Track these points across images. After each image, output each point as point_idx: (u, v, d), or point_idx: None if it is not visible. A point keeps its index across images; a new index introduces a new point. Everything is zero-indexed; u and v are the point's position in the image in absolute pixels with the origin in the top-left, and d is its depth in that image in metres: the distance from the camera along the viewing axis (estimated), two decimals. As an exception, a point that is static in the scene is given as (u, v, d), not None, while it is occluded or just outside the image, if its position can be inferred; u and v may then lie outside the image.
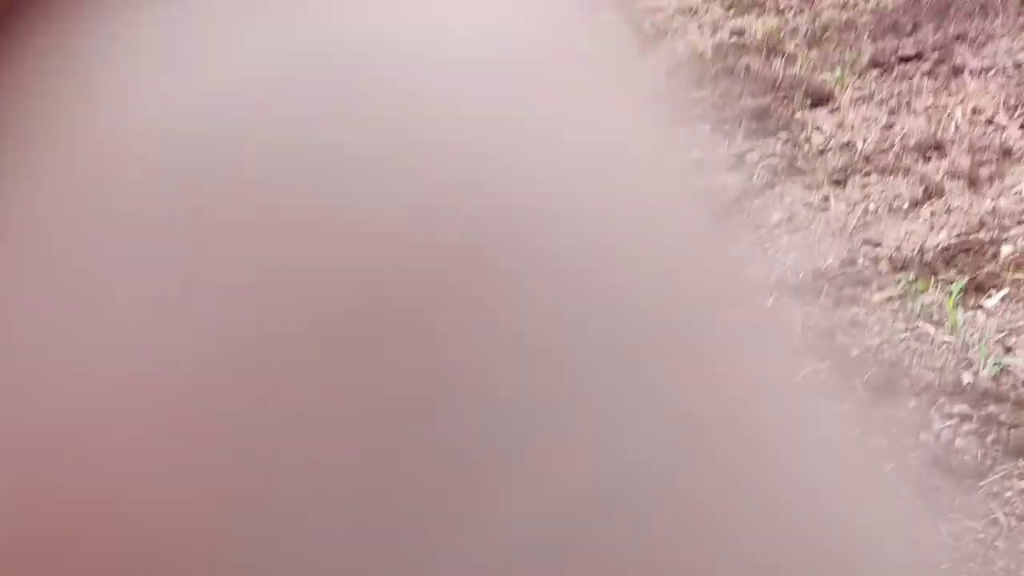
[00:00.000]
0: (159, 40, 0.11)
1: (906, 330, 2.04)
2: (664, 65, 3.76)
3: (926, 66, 3.37)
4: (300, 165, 0.11)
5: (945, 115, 3.00)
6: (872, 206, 2.56)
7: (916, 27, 3.79)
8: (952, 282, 2.15)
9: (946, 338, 2.00)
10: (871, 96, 3.22)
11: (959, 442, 1.80)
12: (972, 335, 2.01)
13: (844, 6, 4.16)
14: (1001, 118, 2.92)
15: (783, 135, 3.05)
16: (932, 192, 2.55)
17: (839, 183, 2.71)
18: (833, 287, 2.21)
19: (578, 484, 0.10)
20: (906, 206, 2.54)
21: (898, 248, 2.33)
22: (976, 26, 3.71)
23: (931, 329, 2.02)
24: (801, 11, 4.20)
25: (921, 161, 2.76)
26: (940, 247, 2.30)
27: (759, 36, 3.88)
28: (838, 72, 3.39)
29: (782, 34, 3.88)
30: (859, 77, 3.37)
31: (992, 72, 3.29)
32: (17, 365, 0.10)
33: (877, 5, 4.12)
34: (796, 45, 3.71)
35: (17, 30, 0.12)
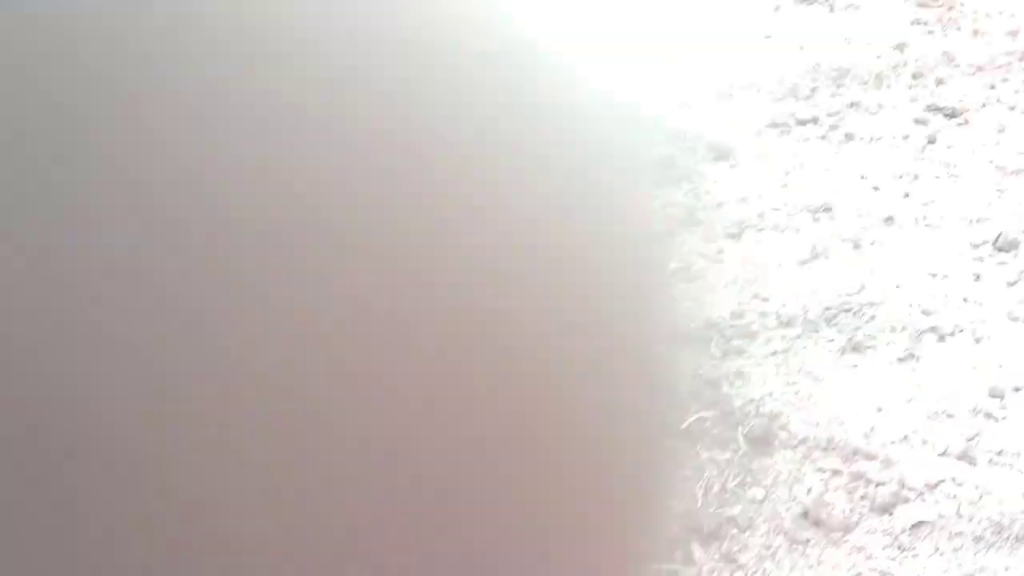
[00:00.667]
0: None
1: (788, 384, 2.13)
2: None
3: (821, 130, 3.55)
4: None
5: (836, 179, 3.16)
6: (763, 262, 2.66)
7: (814, 91, 3.99)
8: (833, 340, 2.26)
9: (824, 393, 2.09)
10: (769, 155, 3.36)
11: (829, 496, 1.89)
12: (849, 392, 2.11)
13: (747, 65, 4.35)
14: (887, 186, 3.10)
15: (685, 185, 3.15)
16: (819, 252, 2.68)
17: (734, 236, 2.82)
18: (723, 338, 2.29)
19: None
20: (795, 264, 2.65)
21: (784, 304, 2.43)
22: (869, 95, 3.94)
23: (811, 385, 2.12)
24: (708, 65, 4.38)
25: (811, 221, 2.89)
26: (823, 306, 2.42)
27: (665, 92, 4.02)
28: (739, 130, 3.53)
29: (689, 88, 4.03)
30: (759, 136, 3.52)
31: (882, 140, 3.49)
32: None
33: (780, 67, 4.32)
34: (701, 102, 3.86)
35: None
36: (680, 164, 3.25)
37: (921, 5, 5.34)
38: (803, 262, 2.63)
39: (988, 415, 1.99)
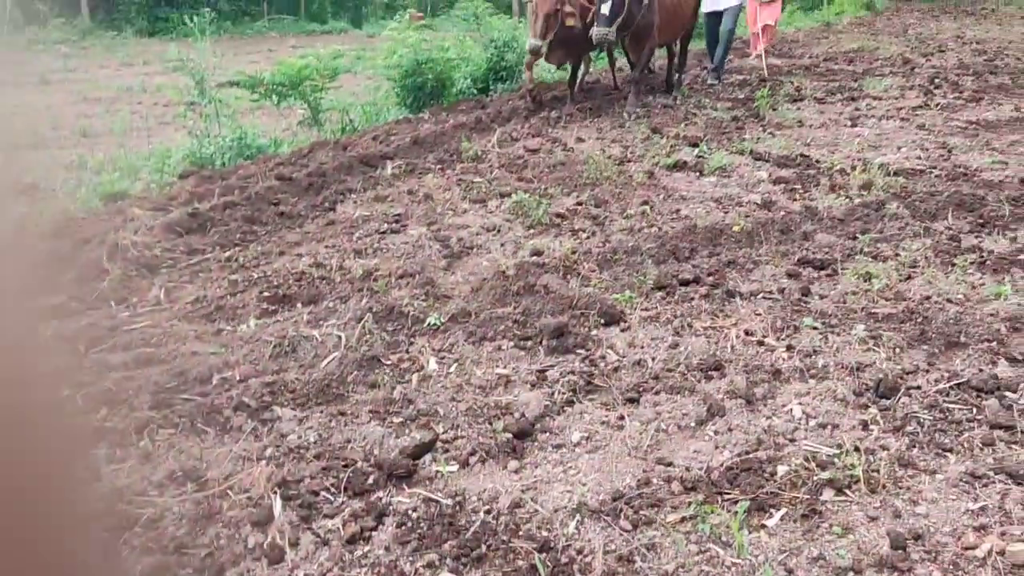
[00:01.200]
0: None
1: (698, 553, 2.11)
2: (469, 282, 3.92)
3: (703, 289, 3.71)
4: None
5: (722, 336, 3.27)
6: (663, 425, 2.70)
7: (693, 252, 4.20)
8: (737, 502, 2.28)
9: (734, 560, 2.08)
10: (657, 316, 3.47)
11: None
12: (757, 556, 2.11)
13: (631, 231, 4.56)
14: (770, 340, 3.23)
15: (581, 352, 3.21)
16: (715, 411, 2.74)
17: (632, 401, 2.86)
18: (631, 509, 2.28)
19: None
20: (693, 424, 2.70)
21: (688, 468, 2.46)
22: (744, 253, 4.16)
23: (720, 551, 2.11)
24: (593, 233, 4.57)
25: (704, 380, 2.97)
26: (724, 466, 2.45)
27: (557, 256, 4.16)
28: (628, 293, 3.65)
29: (577, 255, 4.18)
30: (646, 298, 3.64)
31: (760, 296, 3.66)
32: None
33: (659, 231, 4.55)
34: (590, 267, 3.99)
35: None
36: (575, 331, 3.32)
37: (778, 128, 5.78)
38: (701, 422, 2.68)
39: (893, 568, 2.01)
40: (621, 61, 9.47)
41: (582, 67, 8.67)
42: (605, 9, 7.11)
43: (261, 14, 29.88)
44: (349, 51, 16.77)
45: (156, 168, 6.19)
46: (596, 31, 7.09)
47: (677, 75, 9.12)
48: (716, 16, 9.55)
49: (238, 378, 3.01)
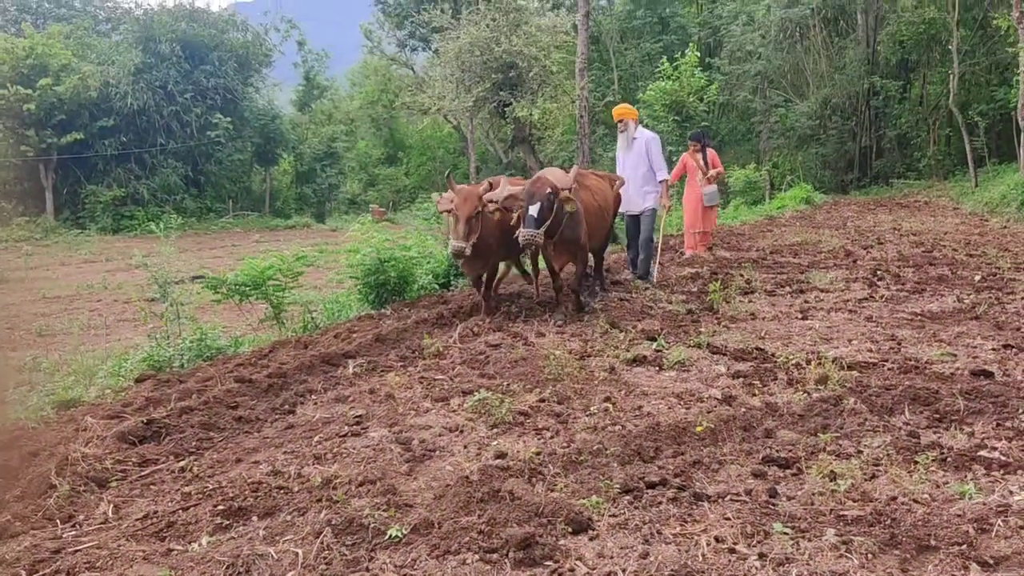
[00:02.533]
0: None
1: None
2: (432, 488, 3.83)
3: (670, 492, 3.65)
4: None
5: (692, 544, 3.20)
6: (637, 647, 2.58)
7: (658, 452, 4.18)
8: None
9: None
10: (626, 523, 3.39)
11: None
12: None
13: (594, 429, 4.55)
14: (741, 547, 3.16)
15: (549, 564, 3.10)
16: (690, 630, 2.63)
17: (604, 619, 2.74)
18: None
19: None
20: (668, 646, 2.58)
21: None
22: (708, 452, 4.15)
23: None
24: (557, 432, 4.54)
25: (676, 594, 2.87)
26: None
27: (521, 459, 4.10)
28: (595, 499, 3.58)
29: (542, 456, 4.13)
30: (613, 503, 3.58)
31: (727, 497, 3.62)
32: None
33: (623, 429, 4.54)
34: (555, 470, 3.94)
35: None
36: (542, 541, 3.22)
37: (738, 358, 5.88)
38: (676, 643, 2.58)
39: None
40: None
41: (500, 272, 8.43)
42: (533, 211, 6.89)
43: (226, 211, 30.80)
44: (312, 245, 17.21)
45: (112, 372, 6.11)
46: (524, 232, 6.83)
47: (598, 280, 8.85)
48: (635, 218, 9.61)
49: (187, 604, 2.84)
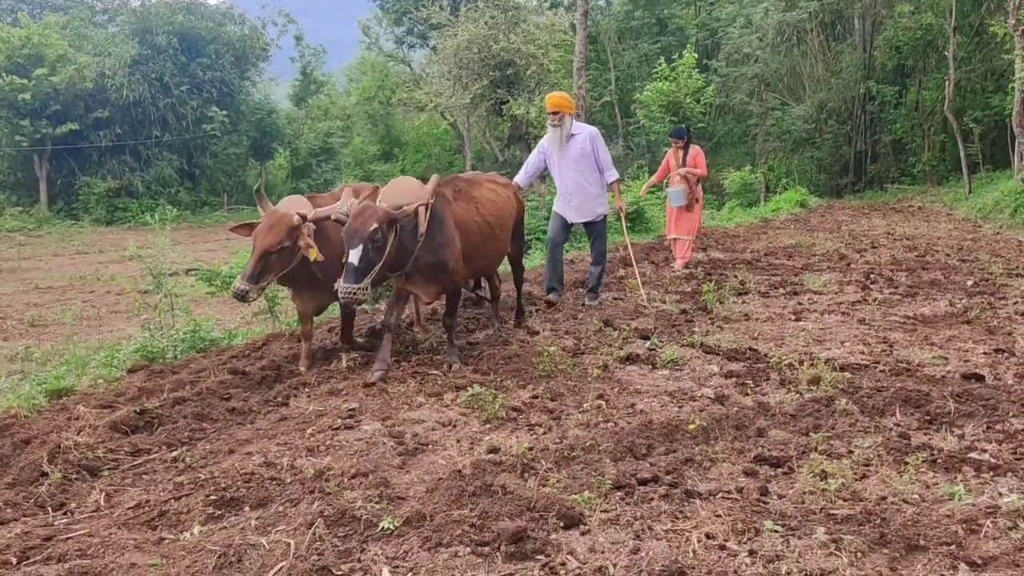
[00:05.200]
0: None
1: None
2: (424, 482, 3.83)
3: (662, 489, 3.66)
4: None
5: (683, 540, 3.21)
6: (627, 640, 2.59)
7: (650, 449, 4.19)
8: None
9: None
10: (617, 519, 3.41)
11: None
12: None
13: (587, 426, 4.56)
14: (732, 544, 3.17)
15: (541, 558, 3.11)
16: (680, 625, 2.64)
17: (595, 613, 2.75)
18: None
19: None
20: (658, 640, 2.59)
21: None
22: (700, 450, 4.16)
23: None
24: (550, 429, 4.55)
25: (668, 589, 2.89)
26: None
27: (514, 454, 4.11)
28: (587, 494, 3.59)
29: (534, 452, 4.14)
30: (605, 499, 3.59)
31: (719, 495, 3.63)
32: None
33: (616, 426, 4.55)
34: (547, 466, 3.95)
35: None
36: (534, 535, 3.23)
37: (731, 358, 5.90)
38: (666, 637, 2.59)
39: None
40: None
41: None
42: (354, 257, 5.17)
43: (220, 204, 30.73)
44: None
45: (105, 362, 6.10)
46: (342, 289, 5.17)
47: (517, 301, 7.36)
48: (568, 224, 8.27)
49: (178, 592, 2.85)
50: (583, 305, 7.95)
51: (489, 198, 6.50)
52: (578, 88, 18.24)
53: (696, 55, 22.88)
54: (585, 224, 8.33)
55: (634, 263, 9.09)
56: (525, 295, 7.71)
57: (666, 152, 11.06)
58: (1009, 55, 18.25)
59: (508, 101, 18.75)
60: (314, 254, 5.49)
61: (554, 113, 7.98)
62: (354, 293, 5.17)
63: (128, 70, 28.06)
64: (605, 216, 8.32)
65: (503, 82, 19.03)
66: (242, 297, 5.41)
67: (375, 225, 5.20)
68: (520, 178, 8.15)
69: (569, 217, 8.19)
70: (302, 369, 5.85)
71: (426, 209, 5.58)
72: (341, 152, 38.84)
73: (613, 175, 8.19)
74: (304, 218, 5.53)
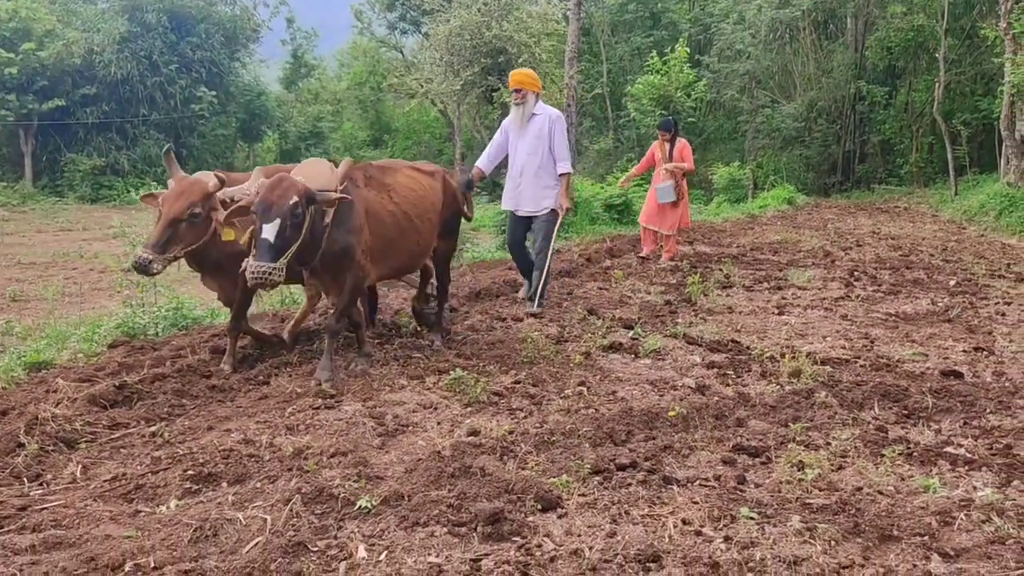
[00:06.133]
0: None
1: None
2: (403, 462, 3.83)
3: (640, 475, 3.68)
4: None
5: (660, 525, 3.22)
6: (600, 621, 2.60)
7: (629, 436, 4.20)
8: None
9: None
10: (595, 503, 3.42)
11: None
12: None
13: (568, 411, 4.57)
14: (708, 530, 3.19)
15: (517, 540, 3.11)
16: (654, 607, 2.66)
17: (569, 594, 2.76)
18: None
19: None
20: (631, 621, 2.61)
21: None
22: (679, 438, 4.18)
23: None
24: (531, 413, 4.56)
25: (642, 572, 2.90)
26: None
27: (494, 437, 4.12)
28: (565, 478, 3.60)
29: (514, 436, 4.14)
30: (583, 483, 3.60)
31: (696, 482, 3.65)
32: None
33: (596, 412, 4.56)
34: (527, 449, 3.95)
35: None
36: (511, 517, 3.23)
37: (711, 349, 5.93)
38: (639, 619, 2.60)
39: None
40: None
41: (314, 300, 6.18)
42: (269, 232, 4.57)
43: (208, 185, 30.47)
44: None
45: (86, 337, 6.06)
46: (252, 267, 4.55)
47: (437, 309, 6.36)
48: (525, 220, 7.58)
49: (153, 565, 2.83)
50: (526, 313, 7.07)
51: (407, 186, 5.77)
52: (569, 79, 18.21)
53: (688, 50, 22.87)
54: (530, 217, 7.55)
55: (545, 270, 7.35)
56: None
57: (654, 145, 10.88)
58: (999, 59, 18.35)
59: (499, 89, 18.72)
60: (229, 234, 4.91)
61: (517, 90, 7.42)
62: (268, 273, 4.51)
63: (117, 47, 27.77)
64: (552, 212, 7.43)
65: (494, 69, 18.98)
66: (143, 268, 4.83)
67: (295, 199, 4.63)
68: (482, 161, 7.65)
69: (511, 204, 7.58)
70: (225, 369, 5.29)
71: (337, 195, 4.94)
72: (330, 137, 38.65)
73: (565, 167, 7.45)
74: (222, 182, 5.02)
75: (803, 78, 30.63)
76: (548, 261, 7.36)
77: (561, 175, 7.43)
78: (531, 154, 7.38)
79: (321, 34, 39.73)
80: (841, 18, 30.69)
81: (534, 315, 6.99)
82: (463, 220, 6.76)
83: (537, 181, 7.40)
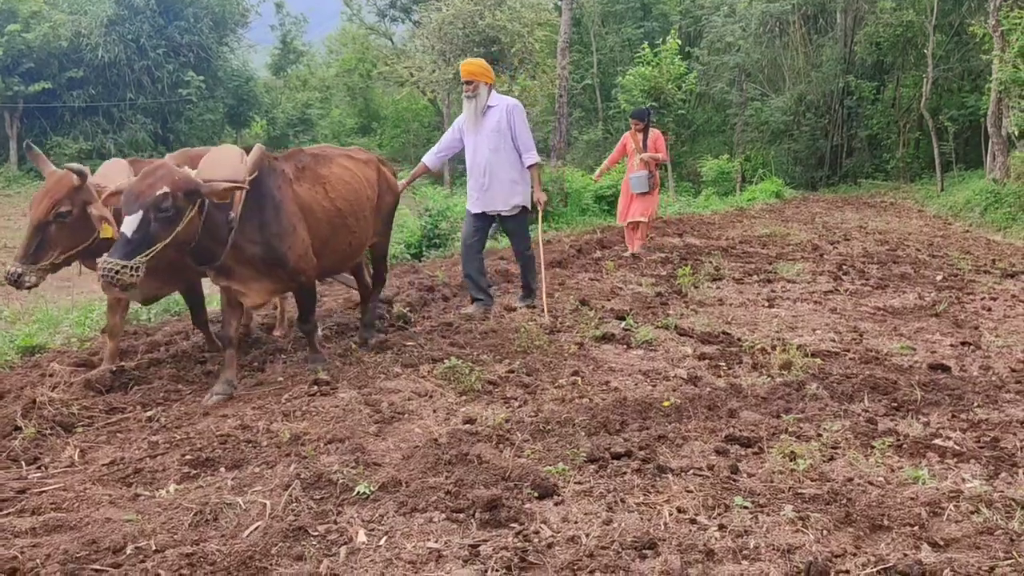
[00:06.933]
0: None
1: None
2: (400, 449, 3.86)
3: (635, 464, 3.72)
4: None
5: (655, 513, 3.27)
6: (599, 606, 2.64)
7: (624, 425, 4.25)
8: None
9: None
10: (591, 491, 3.46)
11: None
12: None
13: (562, 401, 4.61)
14: (703, 518, 3.24)
15: (515, 526, 3.15)
16: (651, 593, 2.70)
17: (567, 580, 2.80)
18: None
19: None
20: (629, 606, 2.65)
21: (625, 654, 2.39)
22: (673, 428, 4.23)
23: None
24: (525, 402, 4.59)
25: (638, 559, 2.94)
26: (663, 652, 2.39)
27: (490, 425, 4.15)
28: (561, 466, 3.64)
29: (510, 424, 4.18)
30: (579, 471, 3.64)
31: (690, 472, 3.70)
32: None
33: (590, 402, 4.60)
34: (523, 437, 3.99)
35: None
36: (508, 504, 3.27)
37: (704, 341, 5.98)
38: (637, 604, 2.64)
39: None
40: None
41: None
42: (128, 225, 4.05)
43: (195, 171, 30.28)
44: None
45: (78, 322, 6.05)
46: (101, 265, 3.95)
47: (370, 307, 6.01)
48: (484, 220, 7.03)
49: (154, 548, 2.85)
50: (524, 305, 7.00)
51: (342, 178, 5.29)
52: (561, 69, 18.23)
53: (679, 41, 22.90)
54: (501, 218, 7.04)
55: (542, 271, 7.12)
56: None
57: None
58: (987, 56, 18.47)
59: (490, 79, 18.67)
60: (108, 231, 4.43)
61: (467, 83, 6.83)
62: (116, 272, 3.91)
63: (104, 30, 27.51)
64: (524, 209, 6.98)
65: (487, 59, 18.92)
66: (15, 281, 4.37)
67: (164, 189, 4.08)
68: (428, 157, 7.13)
69: (479, 206, 6.95)
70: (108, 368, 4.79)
71: (243, 190, 4.46)
72: (319, 124, 38.46)
73: (532, 158, 6.87)
74: (84, 176, 4.50)
75: (792, 72, 30.76)
76: (533, 255, 7.08)
77: (529, 167, 6.91)
78: (493, 150, 6.81)
79: (310, 20, 39.51)
80: (831, 12, 30.82)
81: (531, 307, 6.89)
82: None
83: (502, 179, 6.84)
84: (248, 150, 4.66)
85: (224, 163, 4.47)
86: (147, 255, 4.03)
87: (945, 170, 23.43)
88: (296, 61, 38.98)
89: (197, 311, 5.36)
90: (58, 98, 27.33)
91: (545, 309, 6.75)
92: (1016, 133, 16.82)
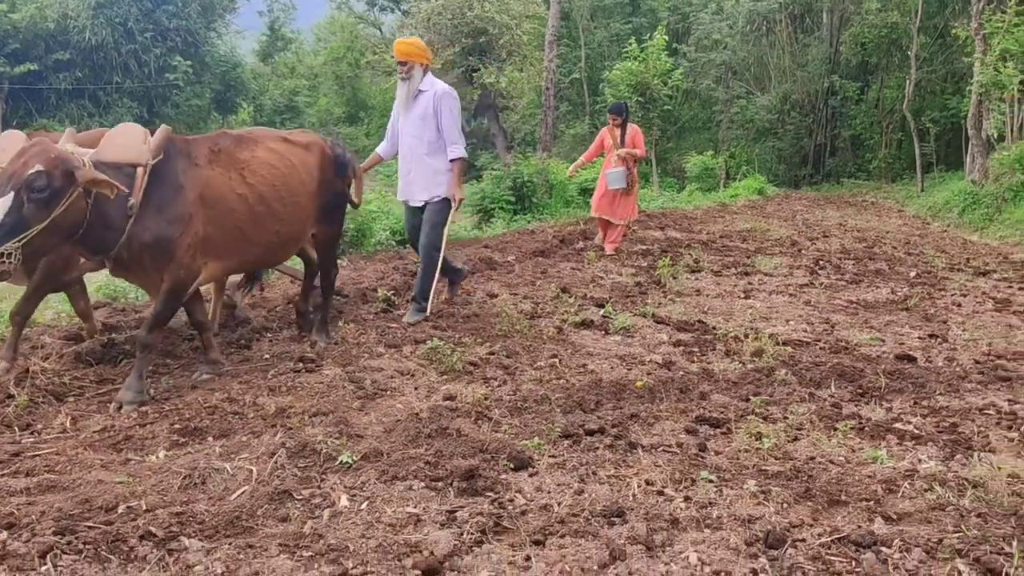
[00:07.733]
0: None
1: None
2: (383, 423, 4.00)
3: (607, 440, 3.88)
4: None
5: (624, 485, 3.43)
6: (567, 567, 2.79)
7: (598, 404, 4.41)
8: (637, 641, 2.37)
9: None
10: (564, 463, 3.61)
11: None
12: None
13: (540, 381, 4.76)
14: (669, 490, 3.40)
15: (491, 495, 3.30)
16: (617, 555, 2.85)
17: (539, 543, 2.95)
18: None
19: None
20: (595, 568, 2.80)
21: (590, 608, 2.54)
22: (645, 408, 4.39)
23: None
24: (504, 382, 4.74)
25: (607, 526, 3.10)
26: (625, 607, 2.54)
27: (469, 401, 4.30)
28: (536, 440, 3.80)
29: (489, 401, 4.33)
30: (554, 446, 3.79)
31: (660, 448, 3.86)
32: None
33: (567, 383, 4.76)
34: (501, 413, 4.14)
35: None
36: (485, 474, 3.42)
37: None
38: (603, 565, 2.79)
39: None
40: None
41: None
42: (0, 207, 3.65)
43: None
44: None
45: (66, 298, 6.13)
46: None
47: (311, 307, 5.79)
48: (419, 212, 6.45)
49: (145, 507, 2.98)
50: (405, 323, 6.01)
51: (267, 162, 4.85)
52: (548, 62, 18.35)
53: (666, 37, 23.05)
54: (419, 208, 6.44)
55: (437, 274, 6.38)
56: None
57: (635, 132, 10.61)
58: (969, 58, 18.72)
59: (479, 69, 18.79)
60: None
61: (402, 63, 6.30)
62: None
63: (92, 12, 27.38)
64: (444, 201, 6.35)
65: (475, 50, 19.05)
66: None
67: (38, 168, 3.71)
68: (382, 147, 6.70)
69: (404, 194, 6.50)
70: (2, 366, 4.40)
71: (144, 172, 4.15)
72: (306, 111, 38.40)
73: (456, 152, 6.32)
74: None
75: (778, 70, 30.98)
76: (438, 257, 6.28)
77: (451, 160, 6.31)
78: (415, 136, 6.30)
79: (298, 7, 39.45)
80: (817, 12, 31.04)
81: (412, 324, 5.94)
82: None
83: (426, 168, 6.30)
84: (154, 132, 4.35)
85: (125, 144, 4.17)
86: (20, 240, 3.67)
87: (926, 171, 23.73)
88: (284, 48, 38.93)
89: (81, 305, 5.08)
90: (44, 80, 27.18)
91: (418, 304, 6.26)
92: (995, 135, 17.10)
